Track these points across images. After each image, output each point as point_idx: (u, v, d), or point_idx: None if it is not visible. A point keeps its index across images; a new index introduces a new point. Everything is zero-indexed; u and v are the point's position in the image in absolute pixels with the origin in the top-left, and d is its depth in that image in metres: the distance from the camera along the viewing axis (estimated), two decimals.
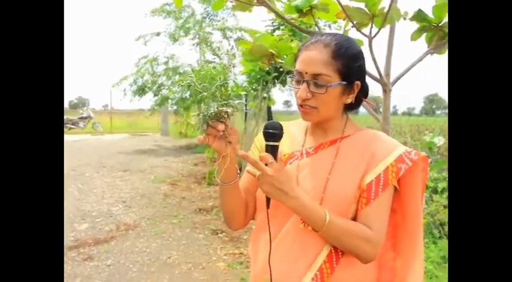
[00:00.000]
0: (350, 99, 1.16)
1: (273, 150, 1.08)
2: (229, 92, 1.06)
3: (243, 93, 6.88)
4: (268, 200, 1.09)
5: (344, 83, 1.11)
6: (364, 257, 1.10)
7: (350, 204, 1.12)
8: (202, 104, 1.03)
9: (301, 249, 1.12)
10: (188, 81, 1.05)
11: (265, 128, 1.09)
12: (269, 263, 1.11)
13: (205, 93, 1.03)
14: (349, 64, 1.12)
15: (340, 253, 1.12)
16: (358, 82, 1.15)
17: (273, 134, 1.08)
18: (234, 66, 1.05)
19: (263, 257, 1.17)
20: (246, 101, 7.35)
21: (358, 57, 1.16)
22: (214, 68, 1.05)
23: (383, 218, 1.13)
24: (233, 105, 1.06)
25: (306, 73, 1.10)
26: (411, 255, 1.17)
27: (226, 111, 1.05)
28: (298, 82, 1.14)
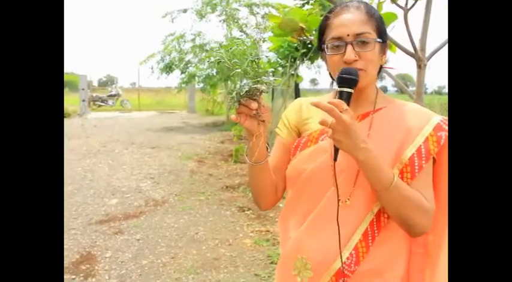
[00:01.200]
0: (384, 59, 1.14)
1: (347, 97, 1.01)
2: (261, 68, 0.99)
3: (270, 70, 6.78)
4: (336, 151, 1.03)
5: (381, 40, 1.10)
6: (417, 227, 1.06)
7: None
8: (231, 82, 0.97)
9: (336, 227, 1.08)
10: (218, 58, 0.98)
11: (340, 73, 1.03)
12: (339, 232, 1.06)
13: (238, 70, 0.96)
14: (381, 22, 1.11)
15: (376, 231, 1.09)
16: (388, 42, 1.15)
17: (348, 79, 1.02)
18: (264, 41, 0.99)
19: (294, 236, 1.16)
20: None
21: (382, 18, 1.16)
22: (243, 42, 0.98)
23: (431, 189, 1.10)
24: (267, 82, 0.99)
25: (348, 35, 1.07)
26: (444, 230, 1.11)
27: (260, 89, 0.99)
28: (335, 48, 1.09)
